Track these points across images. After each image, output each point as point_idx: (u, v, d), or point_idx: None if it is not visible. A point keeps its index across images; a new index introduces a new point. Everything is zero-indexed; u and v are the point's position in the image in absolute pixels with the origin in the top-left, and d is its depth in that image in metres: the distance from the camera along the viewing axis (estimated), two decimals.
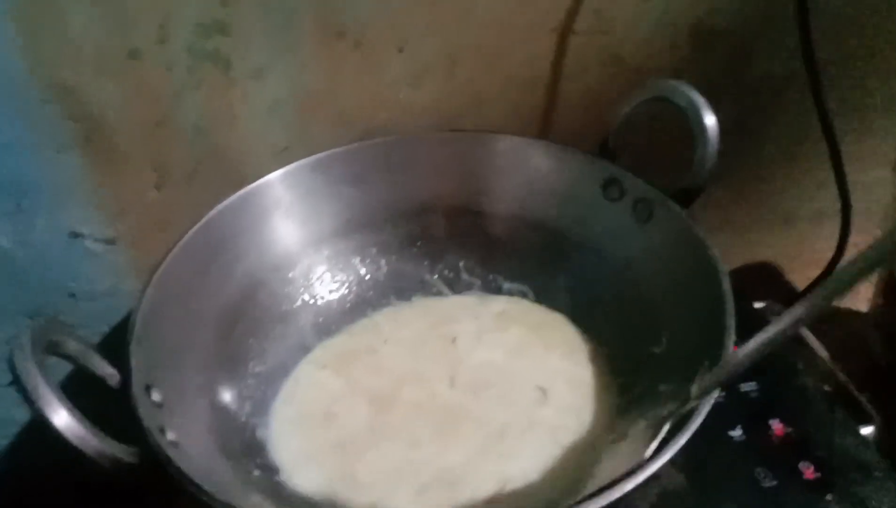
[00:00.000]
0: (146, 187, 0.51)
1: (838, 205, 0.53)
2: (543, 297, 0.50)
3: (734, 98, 0.56)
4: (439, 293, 0.52)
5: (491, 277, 0.52)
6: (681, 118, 0.41)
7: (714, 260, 0.37)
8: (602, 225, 0.46)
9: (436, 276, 0.52)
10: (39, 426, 0.53)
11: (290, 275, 0.49)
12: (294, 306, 0.49)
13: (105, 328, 0.54)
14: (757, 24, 0.53)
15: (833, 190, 0.52)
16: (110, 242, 0.51)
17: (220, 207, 0.45)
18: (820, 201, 0.63)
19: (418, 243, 0.52)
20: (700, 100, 0.40)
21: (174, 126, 0.49)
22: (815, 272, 0.55)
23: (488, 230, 0.51)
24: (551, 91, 0.54)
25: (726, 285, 0.35)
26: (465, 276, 0.52)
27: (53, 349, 0.32)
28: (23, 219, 0.48)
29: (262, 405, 0.44)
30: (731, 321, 0.33)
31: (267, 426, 0.43)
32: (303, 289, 0.49)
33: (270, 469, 0.41)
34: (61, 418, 0.29)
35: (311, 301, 0.49)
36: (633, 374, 0.42)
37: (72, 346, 0.34)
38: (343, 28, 0.49)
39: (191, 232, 0.42)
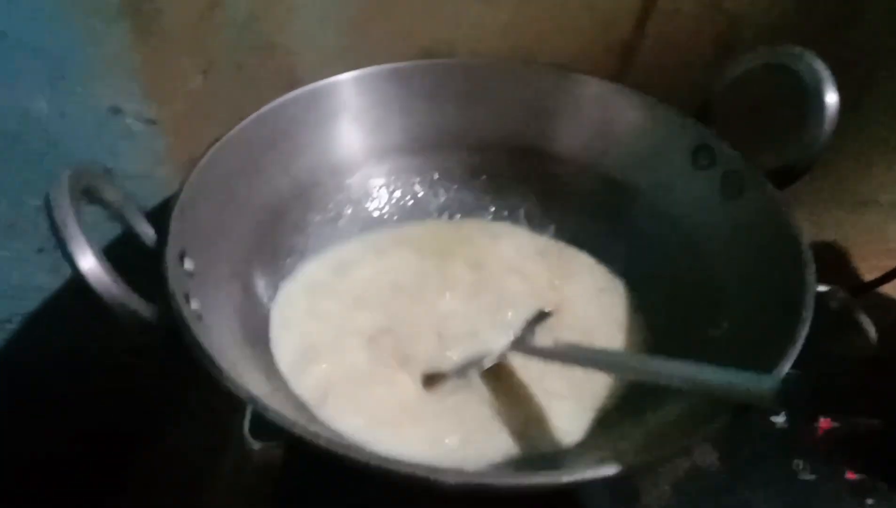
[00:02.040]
0: (192, 73, 0.48)
1: None
2: (601, 257, 0.47)
3: (831, 65, 0.51)
4: None
5: (551, 227, 0.49)
6: (792, 90, 0.38)
7: (804, 252, 0.34)
8: (683, 193, 0.43)
9: (491, 213, 0.49)
10: (65, 295, 0.52)
11: (347, 182, 0.47)
12: (344, 211, 0.47)
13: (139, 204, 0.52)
14: None
15: None
16: (150, 122, 0.49)
17: (286, 98, 0.43)
18: None
19: (482, 177, 0.49)
20: (825, 73, 0.37)
21: (227, 12, 0.46)
22: (886, 263, 0.52)
23: (557, 177, 0.48)
24: (636, 31, 0.50)
25: (811, 278, 0.32)
26: (523, 222, 0.49)
27: (92, 194, 0.32)
28: (64, 87, 0.46)
29: None
30: (808, 314, 0.31)
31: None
32: (356, 198, 0.47)
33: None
34: (87, 261, 0.28)
35: (362, 212, 0.48)
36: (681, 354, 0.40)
37: (111, 194, 0.33)
38: None
39: (253, 116, 0.41)
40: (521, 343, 0.40)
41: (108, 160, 0.49)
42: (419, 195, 0.49)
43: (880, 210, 0.61)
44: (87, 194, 0.31)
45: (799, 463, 0.38)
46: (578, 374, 0.38)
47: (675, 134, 0.43)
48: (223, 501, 0.44)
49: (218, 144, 0.38)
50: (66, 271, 0.51)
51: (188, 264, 0.34)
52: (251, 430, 0.40)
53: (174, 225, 0.33)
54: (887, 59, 0.52)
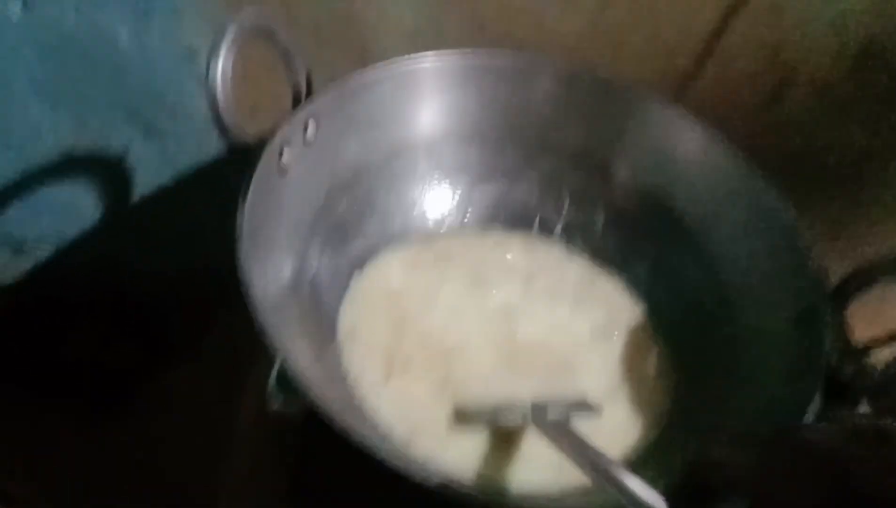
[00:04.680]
0: None
1: None
2: (632, 283, 0.47)
3: (870, 128, 0.53)
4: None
5: (592, 242, 0.49)
6: None
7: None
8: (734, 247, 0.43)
9: (537, 219, 0.49)
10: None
11: (405, 164, 0.47)
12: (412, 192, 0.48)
13: (195, 149, 0.54)
14: None
15: None
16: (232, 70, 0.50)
17: (382, 68, 0.43)
18: None
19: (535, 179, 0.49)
20: None
21: None
22: None
23: (610, 193, 0.48)
24: (695, 65, 0.52)
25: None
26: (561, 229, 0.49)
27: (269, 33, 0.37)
28: (147, 19, 0.47)
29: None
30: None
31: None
32: (415, 184, 0.48)
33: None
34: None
35: (418, 199, 0.48)
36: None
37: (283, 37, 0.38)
38: None
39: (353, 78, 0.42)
40: (542, 421, 0.38)
41: (177, 99, 0.51)
42: (470, 187, 0.49)
43: None
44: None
45: None
46: None
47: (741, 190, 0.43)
48: (223, 451, 0.44)
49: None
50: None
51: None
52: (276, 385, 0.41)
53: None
54: None
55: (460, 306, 0.44)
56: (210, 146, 0.53)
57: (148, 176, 0.54)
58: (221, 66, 0.35)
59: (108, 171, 0.52)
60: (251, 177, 0.35)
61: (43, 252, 0.55)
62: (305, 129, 0.39)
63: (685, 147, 0.45)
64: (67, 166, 0.51)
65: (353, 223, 0.44)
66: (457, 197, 0.49)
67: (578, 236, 0.49)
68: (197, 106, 0.51)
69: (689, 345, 0.43)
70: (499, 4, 0.51)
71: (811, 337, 0.35)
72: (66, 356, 0.59)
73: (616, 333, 0.45)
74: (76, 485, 0.54)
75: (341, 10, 0.50)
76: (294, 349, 0.33)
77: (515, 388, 0.41)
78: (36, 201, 0.50)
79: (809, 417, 0.32)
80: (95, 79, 0.48)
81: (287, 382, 0.30)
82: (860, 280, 0.36)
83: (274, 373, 0.42)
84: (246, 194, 0.34)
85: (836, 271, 0.38)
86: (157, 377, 0.60)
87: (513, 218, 0.49)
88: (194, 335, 0.59)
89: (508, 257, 0.48)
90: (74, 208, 0.53)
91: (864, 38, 0.49)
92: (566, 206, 0.49)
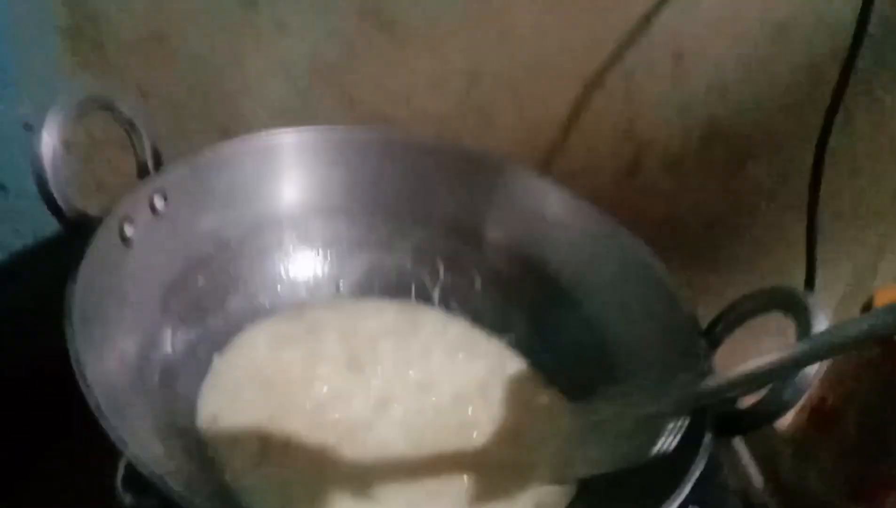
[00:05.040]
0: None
1: None
2: (514, 342, 0.47)
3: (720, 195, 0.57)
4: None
5: (470, 306, 0.48)
6: None
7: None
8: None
9: (413, 287, 0.48)
10: None
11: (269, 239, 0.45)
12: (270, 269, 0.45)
13: (33, 228, 0.48)
14: (765, 134, 0.55)
15: None
16: (64, 145, 0.46)
17: (240, 142, 0.42)
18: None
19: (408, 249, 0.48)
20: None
21: (173, 47, 0.46)
22: None
23: (485, 261, 0.48)
24: (559, 138, 0.54)
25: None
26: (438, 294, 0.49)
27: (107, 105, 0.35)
28: None
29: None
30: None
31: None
32: (281, 258, 0.45)
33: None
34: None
35: (285, 272, 0.46)
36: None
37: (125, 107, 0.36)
38: (381, 6, 0.47)
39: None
40: None
41: (10, 177, 0.46)
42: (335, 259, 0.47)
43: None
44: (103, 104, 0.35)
45: None
46: None
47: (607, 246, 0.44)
48: None
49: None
50: None
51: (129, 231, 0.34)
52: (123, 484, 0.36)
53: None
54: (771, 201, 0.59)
55: (336, 380, 0.41)
56: (51, 226, 0.48)
57: None
58: (47, 139, 0.32)
59: None
60: (84, 252, 0.31)
61: None
62: (152, 202, 0.37)
63: (552, 210, 0.46)
64: None
65: (212, 300, 0.41)
66: (327, 269, 0.47)
67: (456, 301, 0.48)
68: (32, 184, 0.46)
69: (577, 392, 0.43)
70: (369, 82, 0.51)
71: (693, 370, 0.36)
72: None
73: (501, 386, 0.44)
74: None
75: (206, 85, 0.48)
76: (142, 440, 0.29)
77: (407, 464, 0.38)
78: None
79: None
80: None
81: (137, 479, 0.27)
82: (727, 322, 0.37)
83: (121, 471, 0.36)
84: (77, 268, 0.30)
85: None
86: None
87: (388, 286, 0.48)
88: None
89: (384, 323, 0.46)
90: None
91: (706, 120, 0.53)
92: (441, 272, 0.48)
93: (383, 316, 0.46)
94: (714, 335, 0.38)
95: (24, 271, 0.49)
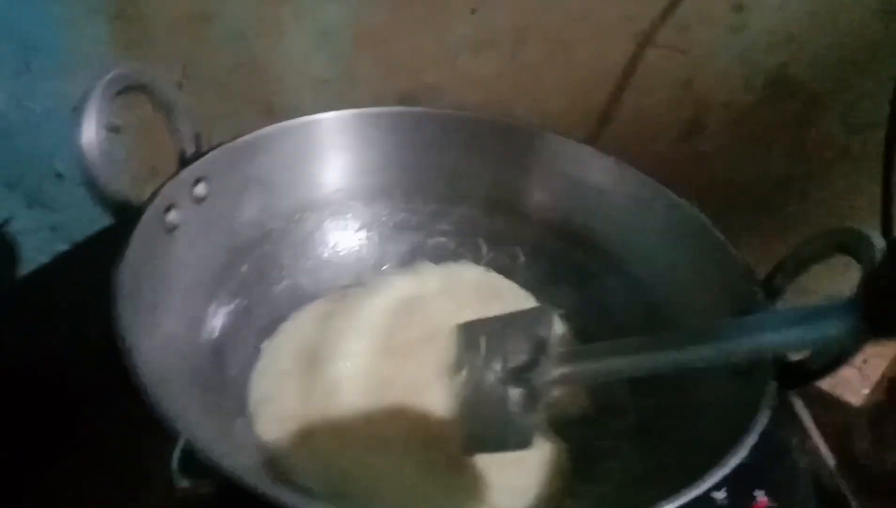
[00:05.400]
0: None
1: None
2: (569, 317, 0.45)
3: (787, 153, 0.54)
4: None
5: (518, 280, 0.47)
6: None
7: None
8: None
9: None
10: None
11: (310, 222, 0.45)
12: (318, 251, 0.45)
13: (86, 218, 0.49)
14: (836, 85, 0.51)
15: None
16: (114, 130, 0.47)
17: (279, 126, 0.41)
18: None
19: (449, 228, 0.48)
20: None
21: (215, 24, 0.46)
22: None
23: (527, 231, 0.47)
24: (612, 99, 0.51)
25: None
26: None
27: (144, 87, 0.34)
28: (27, 80, 0.44)
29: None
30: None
31: None
32: (322, 241, 0.45)
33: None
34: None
35: (327, 256, 0.46)
36: None
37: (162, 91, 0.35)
38: None
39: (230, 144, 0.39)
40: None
41: (61, 162, 0.47)
42: (384, 242, 0.47)
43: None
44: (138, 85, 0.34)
45: None
46: None
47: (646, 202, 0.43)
48: None
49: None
50: None
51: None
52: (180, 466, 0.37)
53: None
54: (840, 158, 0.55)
55: (382, 359, 0.41)
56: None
57: (33, 247, 0.49)
58: (87, 124, 0.32)
59: None
60: (130, 236, 0.31)
61: None
62: (194, 189, 0.36)
63: (595, 177, 0.45)
64: None
65: (258, 286, 0.41)
66: (369, 251, 0.47)
67: (502, 274, 0.47)
68: None
69: None
70: (410, 49, 0.50)
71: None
72: None
73: None
74: None
75: (249, 59, 0.48)
76: (195, 422, 0.30)
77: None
78: None
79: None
80: None
81: (193, 460, 0.27)
82: (787, 270, 0.35)
83: (177, 453, 0.37)
84: (124, 253, 0.31)
85: None
86: (50, 467, 0.54)
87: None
88: (87, 419, 0.54)
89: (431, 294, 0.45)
90: None
91: (772, 67, 0.50)
92: (484, 250, 0.47)
93: (428, 286, 0.46)
94: (773, 285, 0.36)
95: (76, 260, 0.51)
